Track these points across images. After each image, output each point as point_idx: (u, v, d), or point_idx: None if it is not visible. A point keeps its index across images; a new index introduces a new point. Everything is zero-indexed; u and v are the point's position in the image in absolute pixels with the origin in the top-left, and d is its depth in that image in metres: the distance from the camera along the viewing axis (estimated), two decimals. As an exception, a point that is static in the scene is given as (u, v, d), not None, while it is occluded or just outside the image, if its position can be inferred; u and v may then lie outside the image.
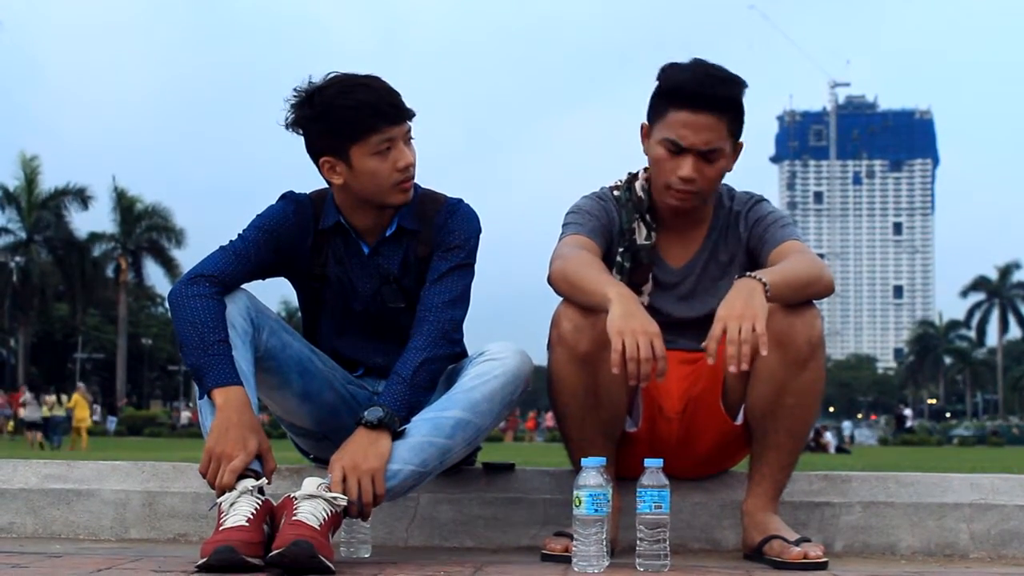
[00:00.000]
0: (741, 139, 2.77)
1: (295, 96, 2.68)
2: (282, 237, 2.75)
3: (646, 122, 2.79)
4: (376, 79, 2.69)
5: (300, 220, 2.78)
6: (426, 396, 2.61)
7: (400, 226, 2.79)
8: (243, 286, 2.70)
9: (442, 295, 2.71)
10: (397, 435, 2.51)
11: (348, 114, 2.63)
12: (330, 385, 2.81)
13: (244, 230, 2.75)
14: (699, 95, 2.67)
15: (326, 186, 2.82)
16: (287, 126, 2.70)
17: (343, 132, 2.65)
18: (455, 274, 2.75)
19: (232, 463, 2.41)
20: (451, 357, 2.72)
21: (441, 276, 2.73)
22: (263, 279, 2.79)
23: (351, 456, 2.46)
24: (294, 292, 2.93)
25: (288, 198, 2.82)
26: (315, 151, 2.72)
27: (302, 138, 2.73)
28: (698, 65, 2.73)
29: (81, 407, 27.11)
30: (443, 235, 2.78)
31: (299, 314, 3.00)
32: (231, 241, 2.73)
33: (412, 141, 2.73)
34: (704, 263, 2.86)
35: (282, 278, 2.88)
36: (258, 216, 2.77)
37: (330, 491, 2.39)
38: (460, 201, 2.85)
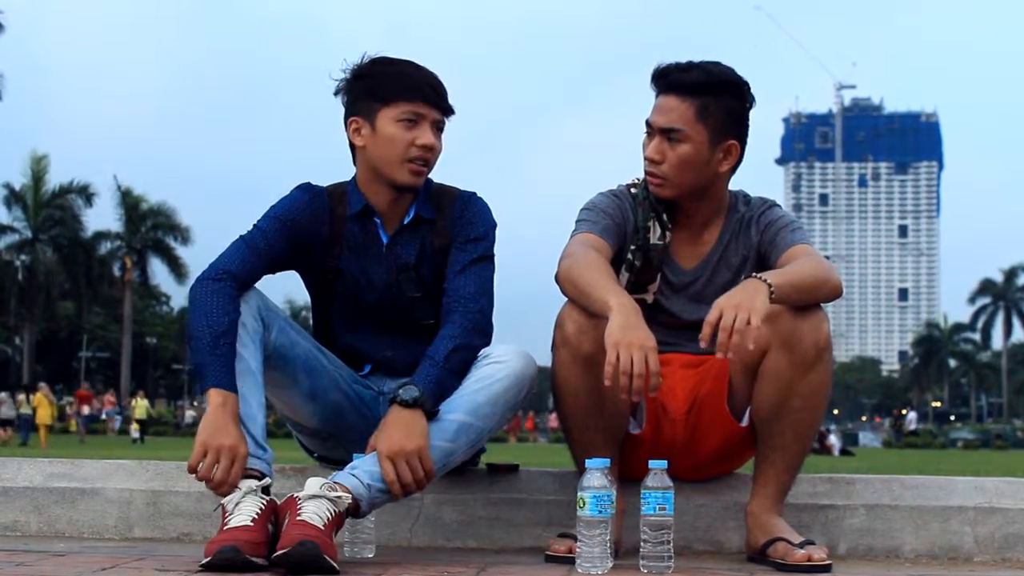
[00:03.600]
0: (733, 140, 2.77)
1: (349, 64, 2.78)
2: (298, 227, 2.75)
3: None
4: (427, 68, 2.78)
5: (315, 210, 2.79)
6: (456, 382, 2.60)
7: (418, 214, 2.81)
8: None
9: (468, 286, 2.72)
10: (430, 416, 2.52)
11: (387, 78, 2.73)
12: (336, 384, 2.81)
13: (259, 220, 2.75)
14: (661, 77, 2.78)
15: (342, 180, 2.85)
16: (336, 92, 2.80)
17: (377, 92, 2.72)
18: (478, 266, 2.76)
19: (236, 458, 2.41)
20: (481, 348, 2.71)
21: (464, 268, 2.74)
22: (276, 273, 2.79)
23: (392, 440, 2.45)
24: (298, 290, 2.94)
25: (304, 188, 2.83)
26: (349, 111, 2.79)
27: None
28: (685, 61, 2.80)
29: (44, 406, 28.18)
30: (460, 226, 2.79)
31: (304, 312, 3.00)
32: (249, 232, 2.73)
33: (441, 134, 2.76)
34: (715, 266, 2.86)
35: (291, 272, 2.89)
36: (273, 206, 2.77)
37: (333, 491, 2.38)
38: (473, 194, 2.88)
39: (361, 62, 2.78)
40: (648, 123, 2.79)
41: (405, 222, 2.81)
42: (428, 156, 2.73)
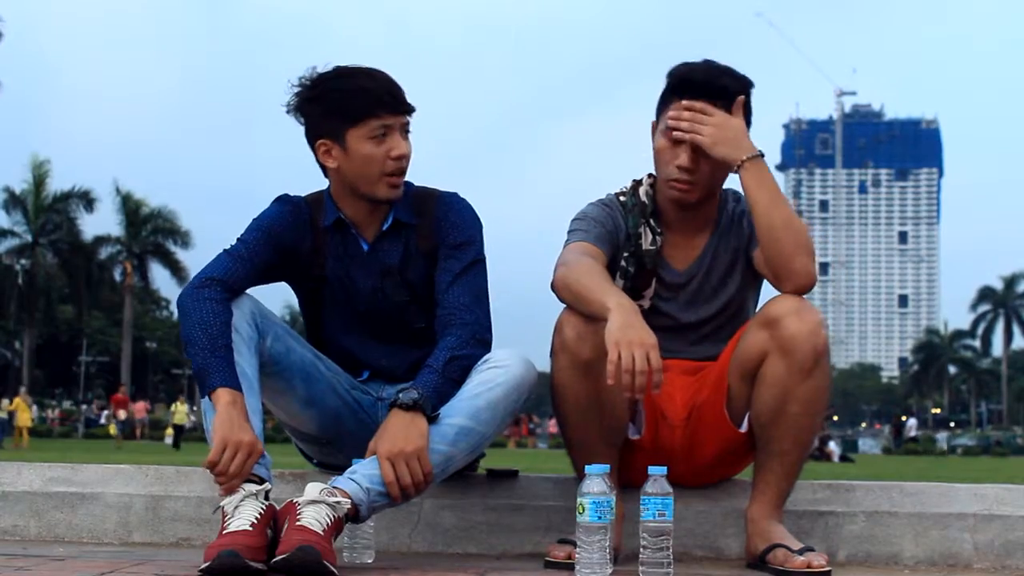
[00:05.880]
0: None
1: (300, 81, 2.73)
2: (281, 236, 2.77)
3: (655, 119, 2.81)
4: (378, 71, 2.73)
5: (297, 220, 2.80)
6: (455, 389, 2.60)
7: (396, 219, 2.80)
8: (248, 291, 2.71)
9: (462, 297, 2.72)
10: (429, 420, 2.52)
11: (348, 97, 2.67)
12: (334, 390, 2.81)
13: (243, 233, 2.76)
14: (697, 83, 2.73)
15: (320, 189, 2.84)
16: (288, 110, 2.74)
17: (341, 114, 2.68)
18: (470, 274, 2.75)
19: (252, 454, 2.42)
20: (481, 357, 2.71)
21: (456, 278, 2.74)
22: (265, 283, 2.79)
23: (392, 441, 2.46)
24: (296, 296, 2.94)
25: (283, 200, 2.83)
26: (313, 134, 2.75)
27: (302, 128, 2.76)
28: (704, 61, 2.79)
29: (22, 410, 29.08)
30: (445, 230, 2.79)
31: (303, 319, 3.00)
32: (232, 245, 2.74)
33: (409, 136, 2.74)
34: (709, 265, 2.86)
35: (283, 283, 2.89)
36: (255, 219, 2.79)
37: (333, 496, 2.38)
38: (455, 194, 2.87)
39: (312, 80, 2.71)
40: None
41: (384, 228, 2.81)
42: (403, 165, 2.72)
